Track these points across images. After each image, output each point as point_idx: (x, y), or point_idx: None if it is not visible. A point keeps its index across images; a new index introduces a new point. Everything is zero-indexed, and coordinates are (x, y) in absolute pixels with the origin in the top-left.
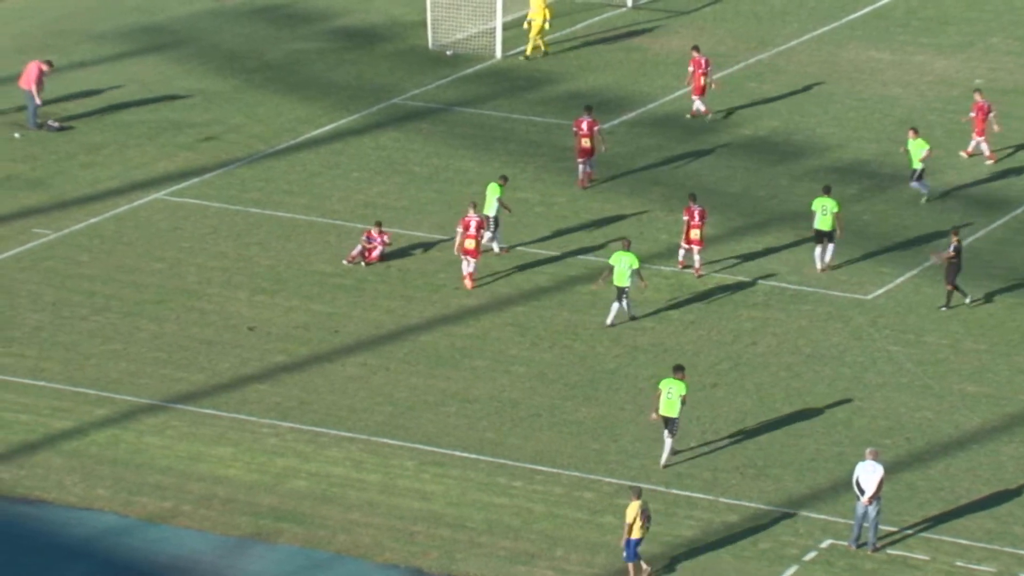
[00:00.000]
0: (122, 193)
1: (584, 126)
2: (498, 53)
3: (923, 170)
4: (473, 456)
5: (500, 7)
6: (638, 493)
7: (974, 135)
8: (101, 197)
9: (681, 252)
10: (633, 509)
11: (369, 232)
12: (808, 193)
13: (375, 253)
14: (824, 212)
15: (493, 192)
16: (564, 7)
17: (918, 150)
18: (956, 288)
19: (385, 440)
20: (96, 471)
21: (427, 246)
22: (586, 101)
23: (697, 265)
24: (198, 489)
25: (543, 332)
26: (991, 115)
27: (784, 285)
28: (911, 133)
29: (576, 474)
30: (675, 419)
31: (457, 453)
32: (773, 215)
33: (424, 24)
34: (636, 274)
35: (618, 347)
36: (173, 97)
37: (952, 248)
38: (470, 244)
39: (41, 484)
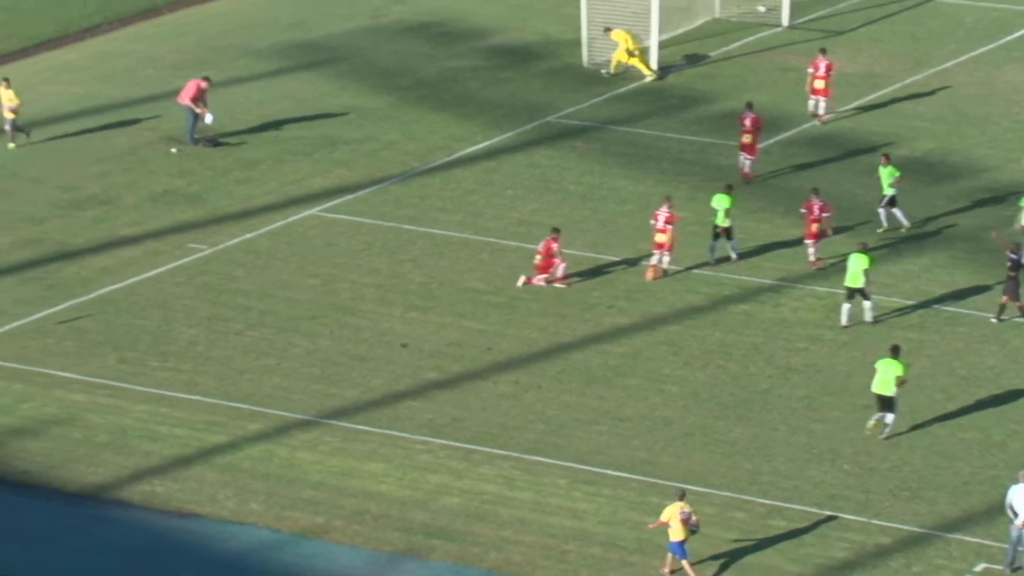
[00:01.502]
0: (277, 209)
1: (748, 122)
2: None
3: (894, 196)
4: (625, 475)
5: (656, 25)
6: (681, 495)
7: None
8: (256, 212)
9: (809, 250)
10: (671, 510)
11: (549, 243)
12: (964, 215)
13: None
14: None
15: (722, 202)
16: (720, 27)
17: (888, 177)
18: (1021, 306)
19: (537, 458)
20: (249, 485)
21: (581, 265)
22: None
23: (812, 258)
24: (350, 504)
25: (696, 351)
26: None
27: (939, 307)
28: (883, 160)
29: (728, 494)
30: (891, 398)
31: (609, 472)
32: (929, 236)
33: (579, 42)
34: (866, 275)
35: (771, 367)
36: (328, 114)
37: (1010, 259)
38: (661, 238)
39: (195, 498)
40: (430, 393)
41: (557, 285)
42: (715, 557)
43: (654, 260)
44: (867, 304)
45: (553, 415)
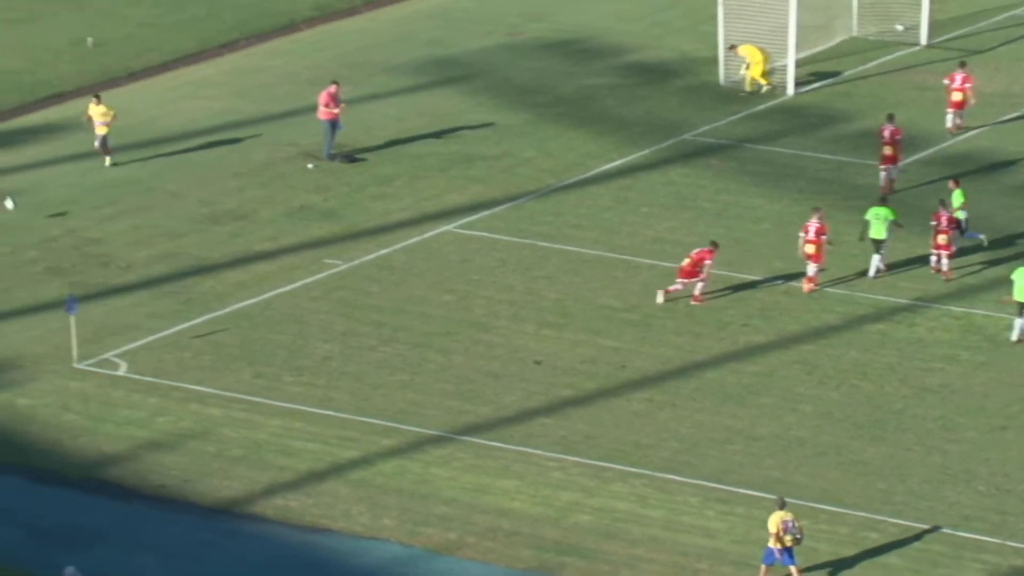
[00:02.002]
0: (412, 225)
1: (887, 133)
2: (790, 90)
3: (967, 219)
4: (758, 494)
5: (793, 43)
6: (781, 504)
7: None
8: (391, 228)
9: (932, 258)
10: (774, 519)
11: (703, 253)
12: None
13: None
14: None
15: (881, 214)
16: (858, 45)
17: (958, 201)
18: None
19: (670, 476)
20: (382, 501)
21: (716, 283)
22: (877, 140)
23: (945, 269)
24: (483, 521)
25: (831, 371)
26: None
27: None
28: (952, 183)
29: (862, 514)
30: None
31: (742, 491)
32: None
33: (716, 60)
34: None
35: (906, 388)
36: (465, 129)
37: None
38: (810, 249)
39: (328, 513)
40: (563, 410)
41: (692, 303)
42: None
43: (809, 272)
44: (1018, 321)
45: (686, 433)
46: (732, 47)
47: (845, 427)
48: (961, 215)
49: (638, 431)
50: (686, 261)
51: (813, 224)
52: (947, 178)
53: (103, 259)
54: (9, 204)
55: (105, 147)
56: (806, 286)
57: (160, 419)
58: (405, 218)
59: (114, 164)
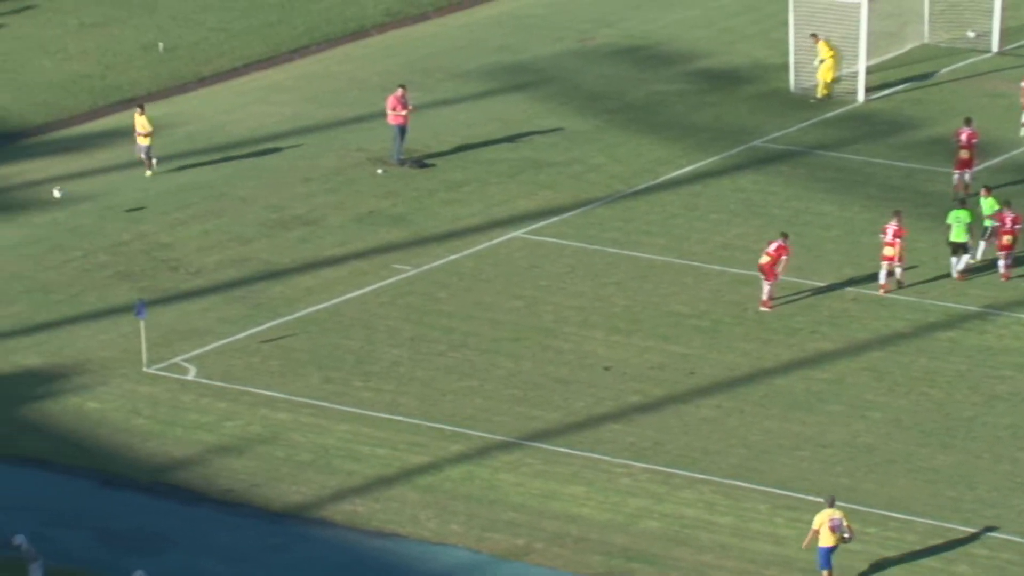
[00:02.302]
0: (482, 230)
1: (963, 137)
2: (860, 96)
3: (993, 228)
4: None
5: (864, 50)
6: (831, 502)
7: None
8: (461, 234)
9: (999, 264)
10: (821, 517)
11: (781, 247)
12: None
13: (766, 294)
14: None
15: (962, 217)
16: (929, 52)
17: (988, 209)
18: None
19: (738, 483)
20: (450, 507)
21: (785, 290)
22: (948, 147)
23: (1002, 269)
24: (551, 527)
25: (900, 378)
26: None
27: None
28: (984, 191)
29: (930, 522)
30: None
31: (810, 498)
32: None
33: (787, 67)
34: None
35: (976, 395)
36: (534, 135)
37: None
38: (889, 251)
39: (396, 518)
40: (632, 416)
41: (761, 309)
42: None
43: (883, 276)
44: None
45: (755, 440)
46: (814, 35)
47: (914, 434)
48: (988, 224)
49: (706, 437)
50: (765, 260)
51: (891, 227)
52: (1018, 183)
53: (173, 263)
54: (57, 193)
55: (146, 158)
56: (882, 290)
57: (228, 423)
58: (474, 224)
59: (155, 175)
